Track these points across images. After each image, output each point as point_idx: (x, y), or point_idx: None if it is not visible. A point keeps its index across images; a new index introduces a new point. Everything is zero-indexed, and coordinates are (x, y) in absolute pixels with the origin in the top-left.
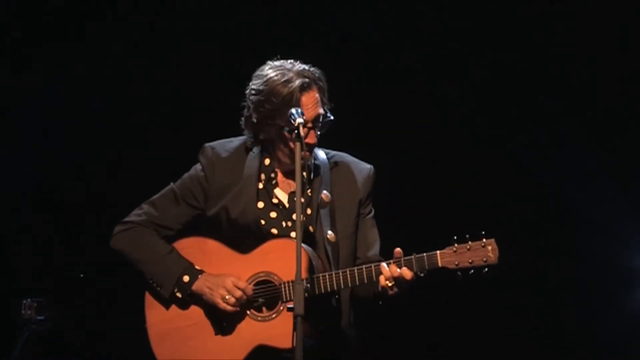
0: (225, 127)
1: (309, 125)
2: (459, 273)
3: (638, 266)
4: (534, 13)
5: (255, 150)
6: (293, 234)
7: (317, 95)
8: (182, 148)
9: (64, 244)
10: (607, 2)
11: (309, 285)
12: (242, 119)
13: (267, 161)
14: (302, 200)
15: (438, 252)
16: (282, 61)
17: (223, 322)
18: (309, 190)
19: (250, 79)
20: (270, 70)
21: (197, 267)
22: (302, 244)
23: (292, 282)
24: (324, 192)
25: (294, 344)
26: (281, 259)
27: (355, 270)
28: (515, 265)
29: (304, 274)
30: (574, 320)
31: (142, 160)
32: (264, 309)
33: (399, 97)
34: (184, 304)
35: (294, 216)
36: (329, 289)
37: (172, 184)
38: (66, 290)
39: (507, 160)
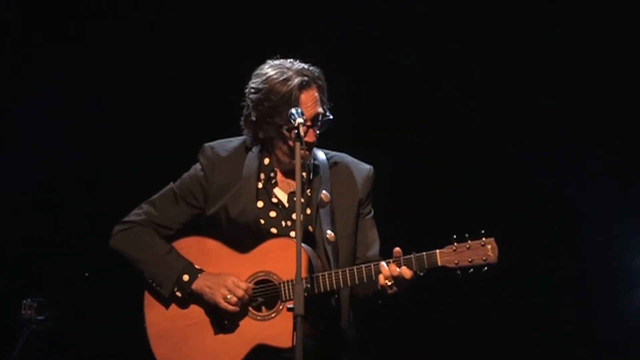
0: (225, 127)
1: (308, 123)
2: (459, 272)
3: (638, 266)
4: (534, 13)
5: (255, 149)
6: (292, 234)
7: (316, 94)
8: (182, 148)
9: (63, 244)
10: (607, 2)
11: (308, 285)
12: (242, 117)
13: (266, 160)
14: (302, 200)
15: (437, 251)
16: (281, 60)
17: (222, 321)
18: (308, 190)
19: (250, 79)
20: (269, 69)
21: (196, 266)
22: (302, 244)
23: (292, 281)
24: (324, 191)
25: (294, 343)
26: (280, 258)
27: (355, 270)
28: (515, 265)
29: (303, 274)
30: (574, 320)
31: (142, 160)
32: (263, 308)
33: (399, 97)
34: (183, 304)
35: (293, 216)
36: (328, 288)
37: (171, 183)
38: (66, 290)
39: (507, 160)
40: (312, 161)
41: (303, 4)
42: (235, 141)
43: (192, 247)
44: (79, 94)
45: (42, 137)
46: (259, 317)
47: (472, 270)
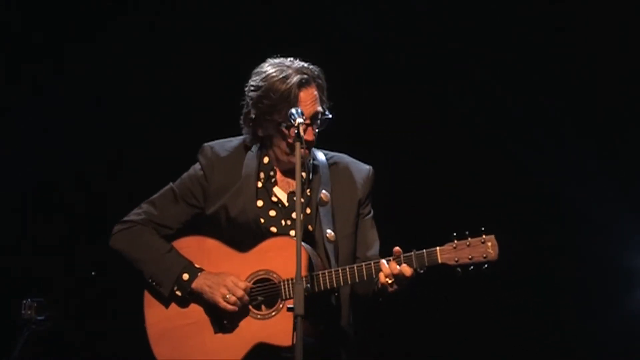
0: (225, 127)
1: (307, 122)
2: (459, 269)
3: (638, 266)
4: (534, 13)
5: (254, 149)
6: (292, 233)
7: (315, 92)
8: (182, 148)
9: (63, 244)
10: (607, 2)
11: (308, 285)
12: (242, 116)
13: (265, 159)
14: (302, 199)
15: (437, 248)
16: (281, 59)
17: (222, 320)
18: (308, 190)
19: (250, 77)
20: (269, 67)
21: (196, 265)
22: (303, 243)
23: (291, 280)
24: (323, 191)
25: (294, 342)
26: (280, 257)
27: (355, 268)
28: (515, 265)
29: (303, 272)
30: (574, 320)
31: (142, 160)
32: (263, 307)
33: (399, 97)
34: (183, 303)
35: (293, 215)
36: (328, 287)
37: (171, 183)
38: (66, 290)
39: (507, 160)
40: (311, 161)
41: (303, 4)
42: (234, 141)
43: (192, 247)
44: (79, 94)
45: (42, 137)
46: (259, 316)
47: (472, 267)
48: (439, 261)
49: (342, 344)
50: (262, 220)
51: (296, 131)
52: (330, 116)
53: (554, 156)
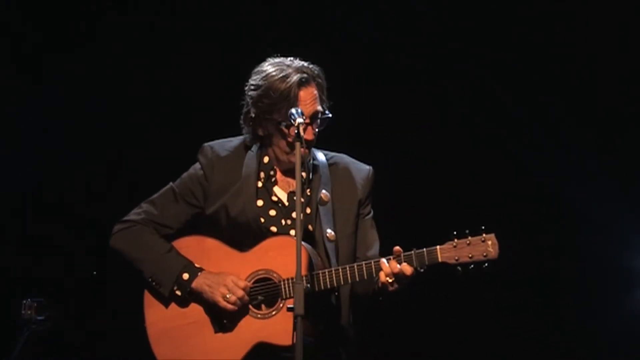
0: (225, 127)
1: (307, 121)
2: (459, 268)
3: (638, 266)
4: (534, 13)
5: (254, 148)
6: (292, 232)
7: (315, 91)
8: (182, 148)
9: (63, 244)
10: (607, 2)
11: (308, 285)
12: (242, 115)
13: (266, 159)
14: (302, 199)
15: (438, 247)
16: (281, 58)
17: (222, 320)
18: (308, 190)
19: (250, 76)
20: (269, 66)
21: (196, 265)
22: (302, 242)
23: (292, 279)
24: (323, 191)
25: (294, 342)
26: (280, 256)
27: (355, 267)
28: (515, 265)
29: (303, 271)
30: (574, 320)
31: (142, 160)
32: (263, 306)
33: (399, 97)
34: (183, 302)
35: (293, 214)
36: (328, 286)
37: (171, 183)
38: (66, 290)
39: (507, 160)
40: (311, 161)
41: (303, 4)
42: (234, 141)
43: (192, 247)
44: (79, 94)
45: (42, 137)
46: (259, 316)
47: (472, 266)
48: (439, 260)
49: (342, 343)
50: (263, 220)
51: (296, 131)
52: (330, 115)
53: (554, 156)
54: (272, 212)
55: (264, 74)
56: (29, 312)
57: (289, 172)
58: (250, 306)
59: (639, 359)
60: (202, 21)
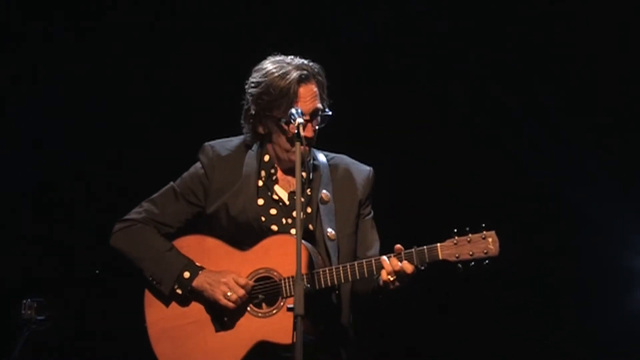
0: (225, 127)
1: (307, 118)
2: (460, 266)
3: (638, 266)
4: (534, 13)
5: (255, 147)
6: (293, 231)
7: (315, 88)
8: (182, 148)
9: (63, 244)
10: (607, 2)
11: (308, 285)
12: (242, 113)
13: (266, 157)
14: (302, 199)
15: (438, 244)
16: (282, 56)
17: (223, 319)
18: (308, 190)
19: (250, 74)
20: (269, 64)
21: (197, 264)
22: (303, 241)
23: (292, 277)
24: (324, 191)
25: (294, 340)
26: (281, 255)
27: (356, 265)
28: (515, 265)
29: (304, 270)
30: (574, 320)
31: (142, 160)
32: (263, 305)
33: (399, 97)
34: (183, 301)
35: (294, 213)
36: (329, 284)
37: (172, 182)
38: (66, 290)
39: (507, 160)
40: (311, 161)
41: (303, 4)
42: (235, 140)
43: (192, 246)
44: (79, 94)
45: (42, 137)
46: (259, 314)
47: (473, 263)
48: (440, 257)
49: (342, 342)
50: (263, 219)
51: (296, 131)
52: (330, 113)
53: (554, 156)
54: (273, 211)
55: (264, 71)
56: (29, 312)
57: (290, 172)
58: (251, 305)
59: (639, 359)
60: (202, 21)
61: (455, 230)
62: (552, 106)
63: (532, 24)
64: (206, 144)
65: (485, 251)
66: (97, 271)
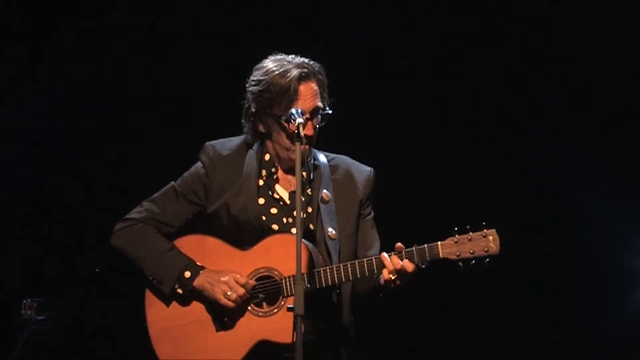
0: (225, 127)
1: (307, 116)
2: (461, 264)
3: (638, 266)
4: (534, 13)
5: (255, 147)
6: (294, 230)
7: (315, 87)
8: (182, 148)
9: (63, 244)
10: (607, 2)
11: (308, 285)
12: (243, 112)
13: (267, 156)
14: (302, 198)
15: (439, 243)
16: (283, 55)
17: (224, 318)
18: (309, 190)
19: (251, 73)
20: (270, 62)
21: (198, 263)
22: (303, 240)
23: (293, 276)
24: (324, 191)
25: (294, 340)
26: (282, 254)
27: (357, 263)
28: (515, 265)
29: (304, 269)
30: (574, 320)
31: (142, 160)
32: (264, 304)
33: (399, 97)
34: (184, 301)
35: (294, 213)
36: (330, 283)
37: (172, 182)
38: (67, 290)
39: (507, 160)
40: (312, 161)
41: (303, 4)
42: (236, 140)
43: (193, 245)
44: (79, 94)
45: (42, 137)
46: (260, 314)
47: (474, 262)
48: (441, 256)
49: (342, 342)
50: (264, 218)
51: (296, 131)
52: (330, 112)
53: (554, 156)
54: (274, 210)
55: (264, 70)
56: (29, 312)
57: (291, 171)
58: (252, 304)
59: (639, 359)
60: (202, 21)
61: (456, 228)
62: (552, 106)
63: (532, 24)
64: (207, 143)
65: (486, 249)
66: (97, 269)
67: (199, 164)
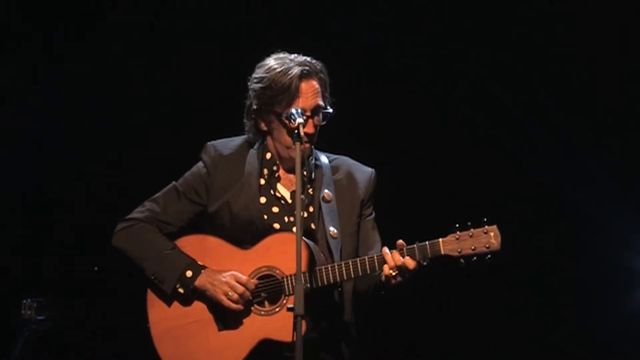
0: (225, 127)
1: (308, 114)
2: (462, 261)
3: (638, 266)
4: (534, 13)
5: (256, 146)
6: (295, 229)
7: (317, 85)
8: (182, 148)
9: (63, 243)
10: (607, 2)
11: (308, 285)
12: (244, 110)
13: (268, 155)
14: (303, 197)
15: (440, 239)
16: (285, 53)
17: (226, 317)
18: (310, 189)
19: (250, 77)
20: (272, 60)
21: (199, 263)
22: (304, 238)
23: (295, 275)
24: (326, 190)
25: (294, 339)
26: (283, 253)
27: (358, 261)
28: (515, 265)
29: (305, 268)
30: (574, 320)
31: (142, 160)
32: (266, 303)
33: (399, 97)
34: (186, 301)
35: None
36: (332, 281)
37: (174, 182)
38: (66, 290)
39: (507, 160)
40: (313, 161)
41: (303, 4)
42: (237, 140)
43: (194, 245)
44: (79, 94)
45: (42, 137)
46: (262, 312)
47: (475, 258)
48: (442, 252)
49: (344, 340)
50: (265, 217)
51: (296, 131)
52: (330, 111)
53: (554, 156)
54: (275, 209)
55: (266, 68)
56: (29, 312)
57: (292, 170)
58: (254, 303)
59: (639, 359)
60: (202, 21)
61: (457, 225)
62: (552, 106)
63: (532, 24)
64: (209, 143)
65: (487, 245)
66: (95, 268)
67: (200, 164)
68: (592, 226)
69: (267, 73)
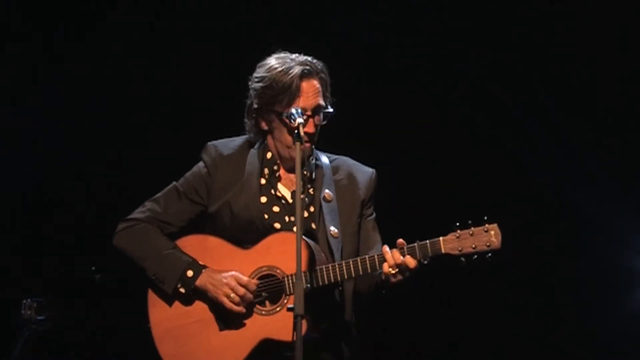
0: (225, 127)
1: (308, 113)
2: (463, 259)
3: (638, 266)
4: (534, 13)
5: (257, 146)
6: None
7: (317, 85)
8: (182, 148)
9: (63, 243)
10: (607, 2)
11: (309, 285)
12: (245, 109)
13: (268, 155)
14: (304, 197)
15: (441, 238)
16: (286, 53)
17: (226, 317)
18: (311, 189)
19: (251, 77)
20: (273, 60)
21: (200, 262)
22: (305, 238)
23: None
24: (326, 190)
25: (294, 339)
26: (283, 252)
27: (359, 260)
28: (515, 265)
29: (305, 267)
30: (574, 320)
31: (142, 160)
32: (267, 302)
33: (399, 97)
34: (187, 301)
35: None
36: (332, 280)
37: (174, 182)
38: (66, 290)
39: (507, 160)
40: (314, 161)
41: (303, 4)
42: (238, 140)
43: (195, 245)
44: (79, 94)
45: (42, 137)
46: (263, 312)
47: (476, 257)
48: (443, 251)
49: (345, 340)
50: (266, 216)
51: (296, 131)
52: (331, 110)
53: (554, 156)
54: (276, 209)
55: (267, 67)
56: (29, 312)
57: (293, 170)
58: (255, 303)
59: (639, 359)
60: (202, 21)
61: (458, 223)
62: (552, 106)
63: (532, 24)
64: (209, 143)
65: (488, 244)
66: (93, 268)
67: (201, 164)
68: (592, 226)
69: (268, 72)
